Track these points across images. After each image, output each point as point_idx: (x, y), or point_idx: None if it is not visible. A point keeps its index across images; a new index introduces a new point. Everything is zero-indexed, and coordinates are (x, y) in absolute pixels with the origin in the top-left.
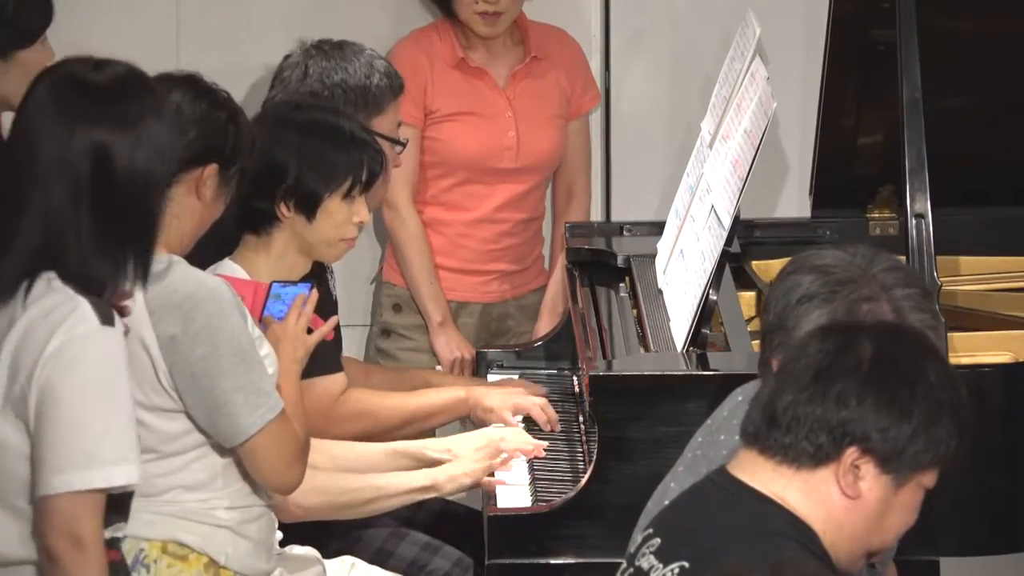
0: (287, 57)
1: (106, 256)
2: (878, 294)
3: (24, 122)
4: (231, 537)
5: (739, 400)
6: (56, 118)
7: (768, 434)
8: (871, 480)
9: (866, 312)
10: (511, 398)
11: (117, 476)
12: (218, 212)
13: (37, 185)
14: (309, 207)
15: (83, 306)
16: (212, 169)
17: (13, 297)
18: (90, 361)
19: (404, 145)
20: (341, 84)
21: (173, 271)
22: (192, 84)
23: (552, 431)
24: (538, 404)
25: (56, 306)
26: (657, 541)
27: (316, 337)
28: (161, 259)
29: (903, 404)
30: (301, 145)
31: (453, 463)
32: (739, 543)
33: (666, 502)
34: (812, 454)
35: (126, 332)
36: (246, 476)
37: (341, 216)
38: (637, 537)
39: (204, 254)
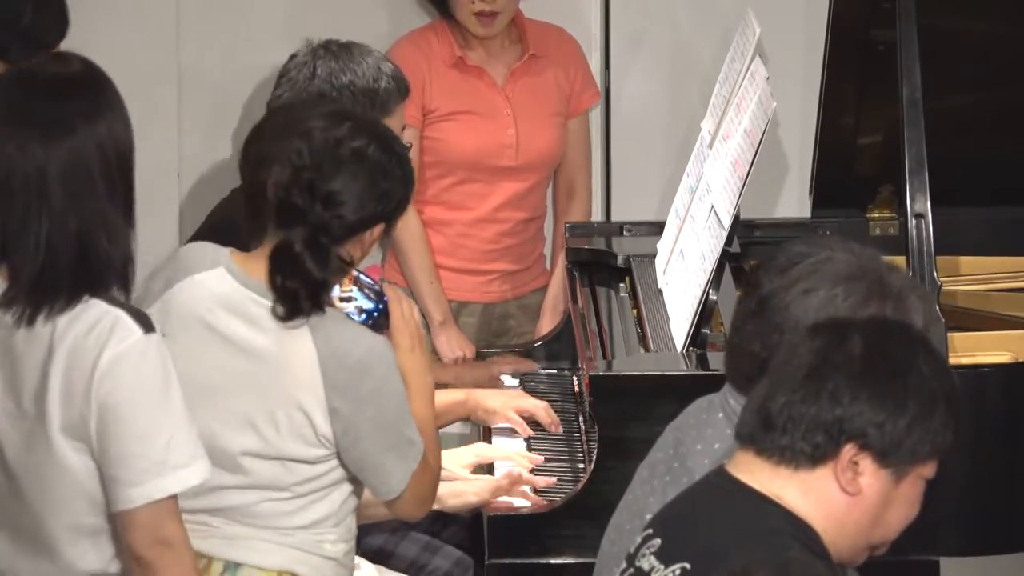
0: (293, 56)
1: (125, 239)
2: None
3: (7, 130)
4: (335, 568)
5: (703, 407)
6: (54, 120)
7: (764, 437)
8: (870, 475)
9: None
10: (513, 400)
11: (191, 477)
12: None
13: (50, 192)
14: None
15: (123, 317)
16: (380, 229)
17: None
18: (145, 371)
19: (408, 149)
20: (350, 86)
21: (340, 325)
22: (377, 134)
23: (556, 432)
24: (541, 406)
25: (96, 322)
26: (657, 542)
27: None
28: (335, 316)
29: (897, 397)
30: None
31: (464, 481)
32: (740, 543)
33: (648, 516)
34: (810, 454)
35: None
36: (352, 512)
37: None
38: (636, 538)
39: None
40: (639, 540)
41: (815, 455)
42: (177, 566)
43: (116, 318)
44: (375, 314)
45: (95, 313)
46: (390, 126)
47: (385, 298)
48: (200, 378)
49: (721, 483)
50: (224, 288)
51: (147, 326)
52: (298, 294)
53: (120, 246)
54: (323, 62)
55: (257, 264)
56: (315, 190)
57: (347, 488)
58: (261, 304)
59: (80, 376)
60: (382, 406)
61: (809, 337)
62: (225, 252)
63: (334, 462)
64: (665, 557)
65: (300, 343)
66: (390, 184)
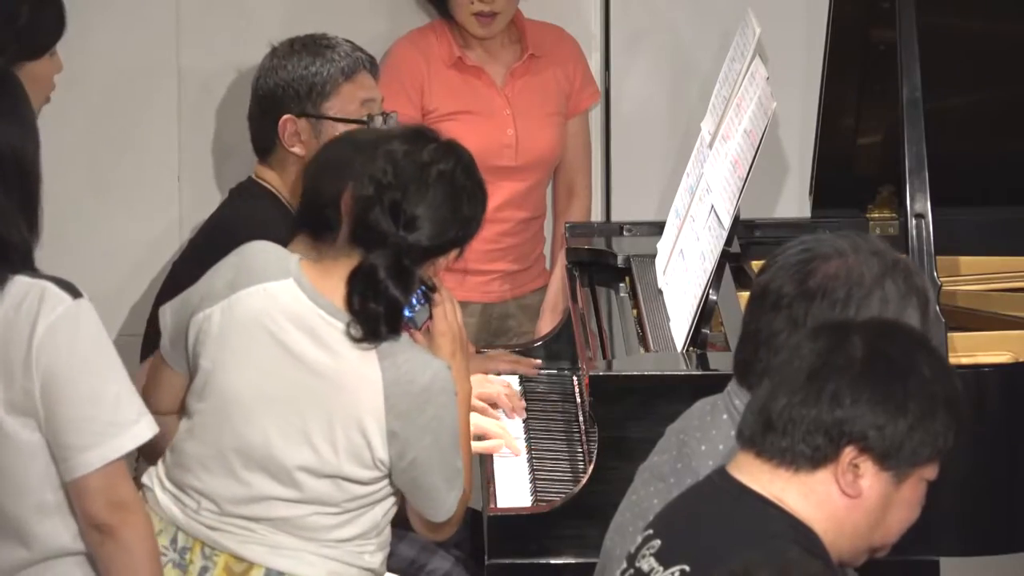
0: None
1: (28, 228)
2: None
3: None
4: None
5: (706, 409)
6: None
7: (764, 438)
8: (871, 478)
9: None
10: (477, 387)
11: (142, 432)
12: None
13: None
14: None
15: (49, 287)
16: (455, 254)
17: None
18: (81, 335)
19: (366, 124)
20: (281, 83)
21: (407, 351)
22: (461, 157)
23: (517, 416)
24: (503, 393)
25: (23, 296)
26: (657, 543)
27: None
28: (404, 342)
29: (898, 400)
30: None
31: None
32: (740, 546)
33: (651, 517)
34: (809, 456)
35: None
36: (390, 520)
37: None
38: (637, 539)
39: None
40: (640, 541)
41: (815, 457)
42: (137, 526)
43: (43, 289)
44: (414, 309)
45: (20, 288)
46: (336, 106)
47: (427, 298)
48: (260, 386)
49: (722, 485)
50: (293, 302)
51: (74, 292)
52: (379, 317)
53: (18, 235)
54: (263, 64)
55: (329, 281)
56: (399, 212)
57: (391, 501)
58: (330, 323)
59: (17, 351)
60: (439, 434)
61: (811, 338)
62: (295, 261)
63: (385, 481)
64: (665, 559)
65: (366, 366)
66: (472, 209)
